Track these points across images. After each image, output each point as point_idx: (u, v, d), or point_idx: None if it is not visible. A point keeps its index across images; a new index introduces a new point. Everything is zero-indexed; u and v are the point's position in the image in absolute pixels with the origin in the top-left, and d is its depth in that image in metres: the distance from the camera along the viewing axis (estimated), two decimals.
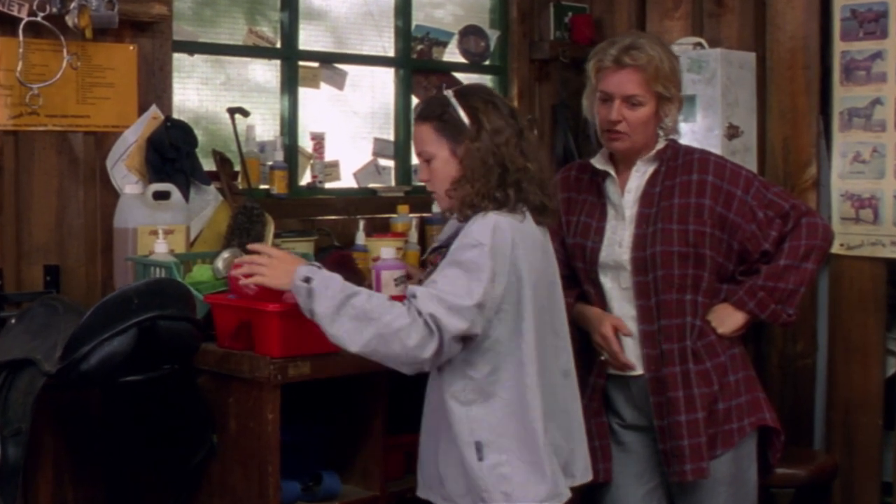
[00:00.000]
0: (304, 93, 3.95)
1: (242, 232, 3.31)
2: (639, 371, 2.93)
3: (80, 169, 3.32)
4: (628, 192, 2.95)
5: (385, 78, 4.23)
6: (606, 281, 2.96)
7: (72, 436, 3.19)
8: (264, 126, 3.87)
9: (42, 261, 3.24)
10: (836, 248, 3.75)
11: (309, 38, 3.98)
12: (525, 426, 2.53)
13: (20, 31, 3.10)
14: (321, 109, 4.05)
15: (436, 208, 3.73)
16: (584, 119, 3.24)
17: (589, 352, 2.99)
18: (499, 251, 2.48)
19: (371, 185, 4.11)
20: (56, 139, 3.27)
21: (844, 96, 4.02)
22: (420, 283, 2.73)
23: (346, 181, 4.11)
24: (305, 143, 3.97)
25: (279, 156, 3.77)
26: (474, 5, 4.54)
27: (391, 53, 4.22)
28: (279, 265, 2.58)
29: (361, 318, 2.42)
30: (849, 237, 4.00)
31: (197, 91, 3.75)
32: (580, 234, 2.99)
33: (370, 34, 4.18)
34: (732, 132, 4.05)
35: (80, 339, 2.62)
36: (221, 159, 3.61)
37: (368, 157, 4.18)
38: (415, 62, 4.27)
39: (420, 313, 2.42)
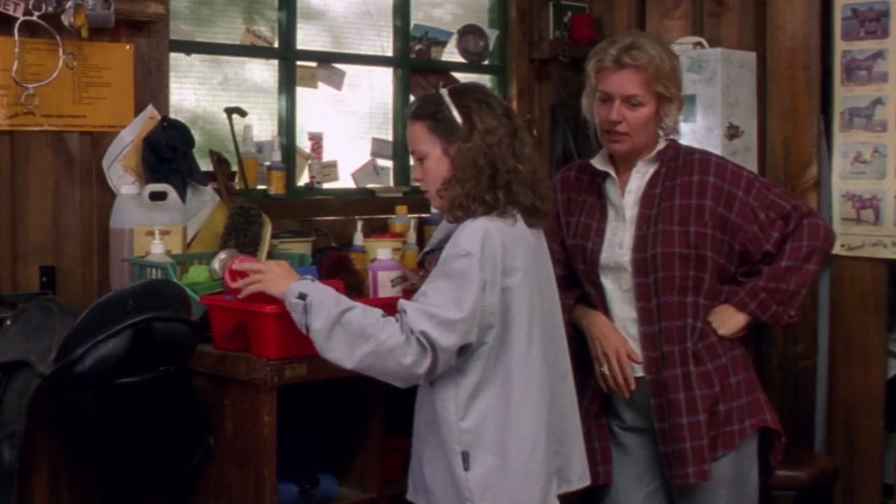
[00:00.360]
0: (301, 93, 3.95)
1: (239, 233, 3.30)
2: (639, 373, 2.91)
3: (76, 169, 3.31)
4: (629, 193, 2.94)
5: (383, 78, 4.22)
6: (607, 282, 2.95)
7: (67, 438, 3.19)
8: (262, 126, 3.87)
9: (38, 261, 3.24)
10: (837, 249, 3.73)
11: (307, 38, 3.98)
12: (514, 434, 2.51)
13: (16, 31, 3.09)
14: (319, 109, 4.04)
15: (434, 209, 3.72)
16: (583, 119, 3.23)
17: (588, 353, 2.96)
18: (488, 260, 2.46)
19: (369, 186, 4.11)
20: (52, 139, 3.26)
21: (845, 96, 4.01)
22: (413, 286, 2.73)
23: (344, 181, 4.10)
24: (303, 144, 3.97)
25: (277, 156, 3.76)
26: (473, 5, 4.53)
27: (389, 53, 4.22)
28: (276, 270, 2.59)
29: (357, 336, 2.42)
30: (850, 238, 3.99)
31: (194, 91, 3.74)
32: (580, 235, 2.98)
33: (368, 34, 4.17)
34: (733, 132, 4.04)
35: (75, 340, 2.62)
36: (218, 159, 3.60)
37: (367, 158, 4.18)
38: (413, 62, 4.27)
39: (412, 331, 2.41)
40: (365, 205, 4.00)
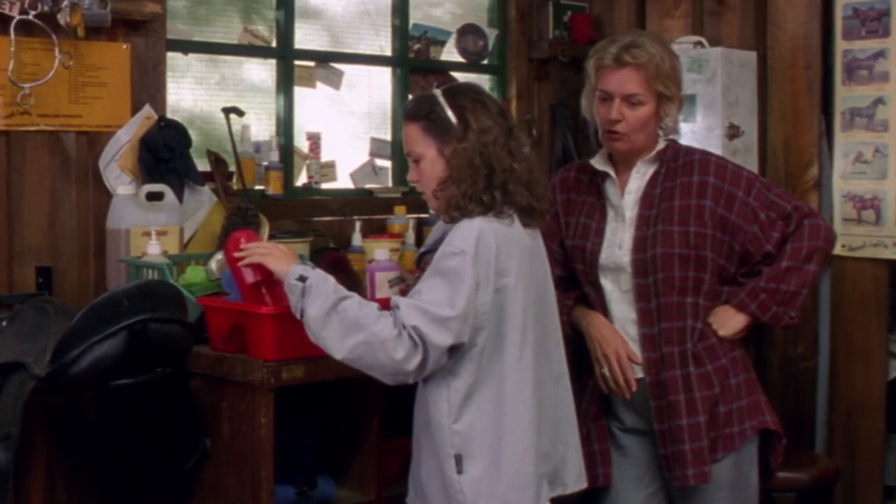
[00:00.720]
0: (299, 92, 3.95)
1: None
2: (639, 374, 2.90)
3: (72, 169, 3.31)
4: (628, 194, 2.93)
5: (382, 77, 4.22)
6: (606, 283, 2.94)
7: (64, 440, 3.18)
8: (259, 126, 3.87)
9: (34, 262, 3.23)
10: (837, 250, 3.72)
11: (305, 37, 3.97)
12: (508, 437, 2.50)
13: (11, 30, 3.08)
14: (317, 109, 4.04)
15: (431, 210, 3.71)
16: (583, 119, 3.22)
17: (588, 354, 2.95)
18: (482, 259, 2.45)
19: (368, 186, 4.11)
20: (48, 139, 3.26)
21: (846, 96, 4.00)
22: (409, 287, 2.71)
23: (343, 182, 4.10)
24: (301, 144, 3.97)
25: (274, 156, 3.76)
26: (472, 4, 4.52)
27: (388, 53, 4.22)
28: (281, 252, 2.60)
29: (350, 324, 2.41)
30: (851, 238, 3.97)
31: (191, 90, 3.74)
32: (580, 235, 2.97)
33: (367, 33, 4.17)
34: (733, 132, 4.03)
35: (70, 342, 2.61)
36: (216, 160, 3.59)
37: (365, 158, 4.18)
38: (412, 61, 4.26)
39: (404, 326, 2.40)
40: (363, 205, 3.99)
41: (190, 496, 3.01)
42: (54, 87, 3.21)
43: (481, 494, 2.48)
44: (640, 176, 2.92)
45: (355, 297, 2.46)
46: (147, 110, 3.41)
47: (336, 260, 3.32)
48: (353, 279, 3.23)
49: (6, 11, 3.06)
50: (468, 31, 4.43)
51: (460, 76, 4.38)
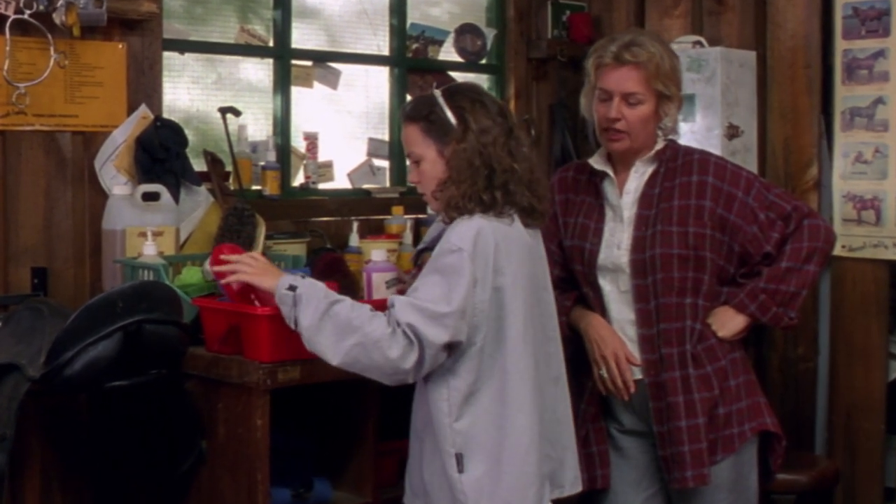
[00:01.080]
0: (297, 92, 3.94)
1: (233, 233, 3.28)
2: (638, 376, 2.89)
3: (68, 169, 3.30)
4: (627, 194, 2.91)
5: (380, 77, 4.22)
6: (605, 284, 2.92)
7: (59, 442, 3.18)
8: (256, 126, 3.86)
9: (29, 263, 3.22)
10: (837, 250, 3.72)
11: (302, 37, 3.97)
12: (509, 436, 2.49)
13: (7, 29, 3.07)
14: (314, 109, 4.03)
15: (431, 210, 3.71)
16: (582, 119, 3.21)
17: (586, 355, 2.94)
18: (480, 256, 2.44)
19: (365, 186, 4.11)
20: (44, 139, 3.25)
21: (846, 95, 4.00)
22: (406, 287, 2.70)
23: (340, 182, 4.10)
24: (298, 144, 3.96)
25: (271, 156, 3.76)
26: (470, 3, 4.52)
27: (386, 52, 4.21)
28: (265, 267, 2.59)
29: (344, 328, 2.40)
30: (851, 239, 3.97)
31: (188, 90, 3.73)
32: (578, 235, 2.96)
33: (364, 32, 4.17)
34: (732, 132, 4.03)
35: (64, 343, 2.61)
36: (212, 160, 3.58)
37: (363, 158, 4.17)
38: (410, 61, 4.25)
39: (399, 324, 2.39)
40: (361, 205, 3.99)
41: (185, 499, 3.00)
42: (50, 87, 3.20)
43: (483, 494, 2.48)
44: (638, 176, 2.91)
45: (347, 300, 2.45)
46: (143, 110, 3.39)
47: (332, 261, 3.31)
48: (349, 280, 3.22)
49: (1, 11, 3.05)
50: (466, 31, 4.42)
51: (458, 76, 4.37)
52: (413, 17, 4.27)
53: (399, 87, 4.19)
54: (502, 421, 2.49)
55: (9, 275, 3.18)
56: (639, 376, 2.88)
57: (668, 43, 2.99)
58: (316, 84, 4.00)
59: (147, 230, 3.18)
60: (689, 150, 2.97)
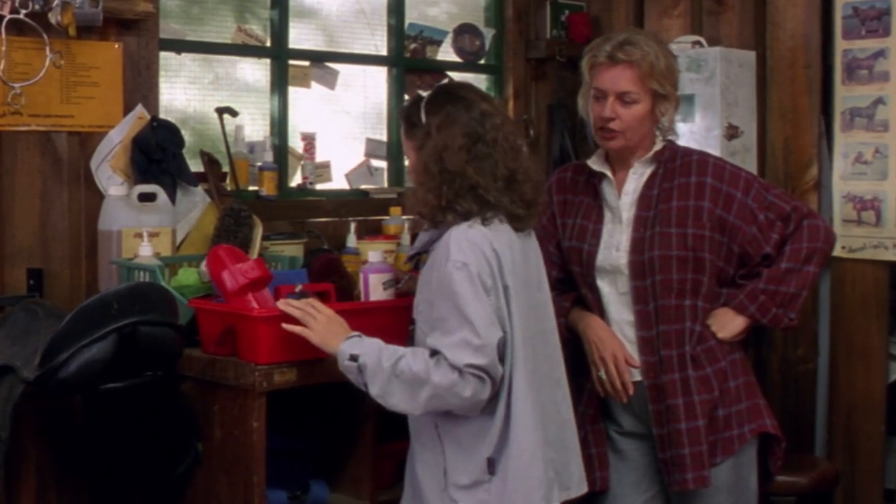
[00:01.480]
0: (294, 92, 3.94)
1: (230, 234, 3.26)
2: (637, 378, 2.88)
3: (63, 170, 3.29)
4: (625, 195, 2.90)
5: (378, 77, 4.21)
6: (604, 285, 2.91)
7: (55, 444, 3.16)
8: (253, 126, 3.86)
9: (25, 264, 3.21)
10: (837, 251, 3.72)
11: (299, 37, 3.97)
12: (513, 441, 2.48)
13: (2, 29, 3.07)
14: (312, 109, 4.03)
15: None
16: (580, 119, 3.19)
17: (585, 357, 2.93)
18: (483, 265, 2.44)
19: (363, 187, 4.10)
20: (39, 139, 3.24)
21: (846, 96, 3.99)
22: (400, 289, 2.73)
23: (338, 182, 4.09)
24: (296, 144, 3.96)
25: (268, 156, 3.75)
26: (469, 3, 4.52)
27: (384, 52, 4.21)
28: (328, 325, 2.57)
29: (412, 383, 2.42)
30: (850, 240, 3.96)
31: (184, 90, 3.73)
32: (576, 237, 2.95)
33: (362, 32, 4.16)
34: (732, 132, 4.02)
35: (59, 345, 2.59)
36: (209, 160, 3.58)
37: (360, 158, 4.17)
38: (408, 61, 4.25)
39: (461, 371, 2.39)
40: (358, 206, 3.98)
41: (181, 501, 2.99)
42: (45, 87, 3.19)
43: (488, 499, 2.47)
44: (637, 177, 2.90)
45: (407, 352, 2.46)
46: (139, 110, 3.39)
47: (329, 262, 3.29)
48: (346, 281, 3.21)
49: None
50: (465, 31, 4.42)
51: (457, 76, 4.37)
52: (411, 16, 4.26)
53: (397, 87, 4.18)
54: (506, 425, 2.48)
55: (4, 276, 3.17)
56: (638, 378, 2.88)
57: (665, 42, 2.98)
58: (313, 84, 4.00)
59: (143, 231, 3.17)
60: (687, 151, 2.96)
